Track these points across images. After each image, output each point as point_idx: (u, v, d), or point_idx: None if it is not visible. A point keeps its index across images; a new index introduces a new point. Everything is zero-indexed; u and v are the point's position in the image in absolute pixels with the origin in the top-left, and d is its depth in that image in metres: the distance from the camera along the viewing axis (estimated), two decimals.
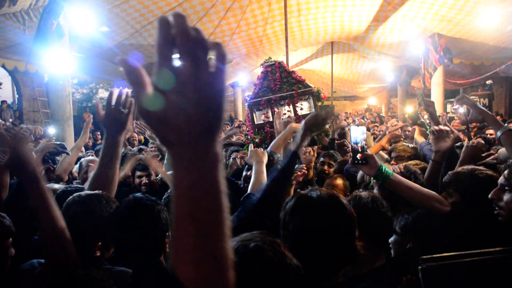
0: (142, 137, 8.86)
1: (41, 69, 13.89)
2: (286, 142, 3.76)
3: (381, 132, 10.19)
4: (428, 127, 4.61)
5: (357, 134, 2.46)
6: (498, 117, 12.81)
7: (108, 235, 2.00)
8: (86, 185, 2.54)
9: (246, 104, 6.84)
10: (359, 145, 2.44)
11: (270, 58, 6.99)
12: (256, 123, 6.68)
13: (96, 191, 2.14)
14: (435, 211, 2.40)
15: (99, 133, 12.37)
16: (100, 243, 2.03)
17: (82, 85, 18.00)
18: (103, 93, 20.55)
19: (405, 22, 12.43)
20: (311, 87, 6.56)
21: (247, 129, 7.75)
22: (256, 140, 6.45)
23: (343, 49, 17.11)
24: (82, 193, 2.14)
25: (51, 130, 6.45)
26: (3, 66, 13.55)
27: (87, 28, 9.74)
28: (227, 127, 11.21)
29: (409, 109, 11.53)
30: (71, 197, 2.09)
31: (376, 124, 14.85)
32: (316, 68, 19.68)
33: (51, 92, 9.23)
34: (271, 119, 6.60)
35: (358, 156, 2.42)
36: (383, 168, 2.39)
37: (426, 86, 14.16)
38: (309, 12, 12.33)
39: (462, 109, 3.05)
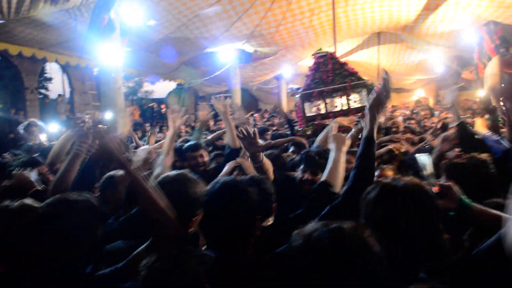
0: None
1: (91, 64, 14.40)
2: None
3: (433, 125, 9.91)
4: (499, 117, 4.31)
5: (424, 162, 2.26)
6: None
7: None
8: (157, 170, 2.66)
9: (297, 95, 6.77)
10: (428, 173, 2.18)
11: (320, 49, 6.89)
12: (307, 115, 6.62)
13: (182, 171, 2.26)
14: None
15: (147, 124, 12.63)
16: (193, 221, 2.08)
17: (128, 78, 18.28)
18: (148, 87, 20.87)
19: (457, 10, 11.91)
20: (364, 79, 6.43)
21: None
22: (308, 132, 6.39)
23: (390, 39, 16.64)
24: (171, 173, 2.25)
25: (108, 115, 6.58)
26: (56, 61, 14.12)
27: (136, 22, 9.89)
28: (275, 120, 11.18)
29: (481, 93, 10.96)
30: (163, 176, 2.21)
31: (427, 116, 14.40)
32: (362, 59, 19.28)
33: (103, 85, 9.44)
34: (322, 111, 6.52)
35: (434, 189, 2.02)
36: (463, 199, 2.03)
37: (479, 77, 13.59)
38: (356, 1, 12.07)
39: None
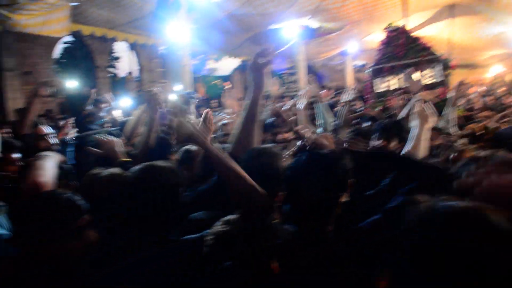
0: None
1: (158, 42, 14.74)
2: None
3: None
4: None
5: None
6: None
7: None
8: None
9: (367, 71, 6.55)
10: None
11: (391, 23, 6.58)
12: (376, 91, 6.40)
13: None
14: None
15: (213, 101, 12.82)
16: (278, 196, 2.09)
17: (193, 56, 18.61)
18: (211, 65, 20.94)
19: None
20: (437, 54, 6.08)
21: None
22: (377, 109, 6.17)
23: (464, 11, 15.65)
24: (257, 147, 2.31)
25: (178, 87, 6.66)
26: (125, 40, 14.56)
27: None
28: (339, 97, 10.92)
29: None
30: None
31: (505, 93, 13.49)
32: (431, 34, 18.32)
33: (170, 62, 9.65)
34: (393, 87, 6.28)
35: None
36: None
37: None
38: None
39: None
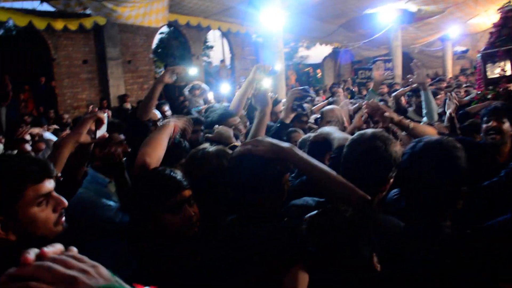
0: None
1: (250, 30, 14.91)
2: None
3: None
4: None
5: None
6: None
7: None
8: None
9: (479, 55, 6.03)
10: None
11: (510, 1, 5.96)
12: (488, 77, 5.87)
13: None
14: None
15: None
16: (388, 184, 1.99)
17: (284, 44, 18.66)
18: (303, 52, 20.71)
19: None
20: None
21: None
22: (489, 96, 5.67)
23: None
24: (368, 131, 2.14)
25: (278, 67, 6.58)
26: (219, 29, 15.05)
27: None
28: (433, 86, 10.30)
29: None
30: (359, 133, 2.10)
31: None
32: None
33: (264, 48, 9.67)
34: (508, 73, 5.73)
35: None
36: None
37: None
38: None
39: None
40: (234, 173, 1.83)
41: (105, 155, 2.70)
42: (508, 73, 5.65)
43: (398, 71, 14.68)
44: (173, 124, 2.45)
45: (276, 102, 5.73)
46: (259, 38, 14.95)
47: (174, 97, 12.85)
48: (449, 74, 17.52)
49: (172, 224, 1.82)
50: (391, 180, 1.97)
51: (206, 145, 2.34)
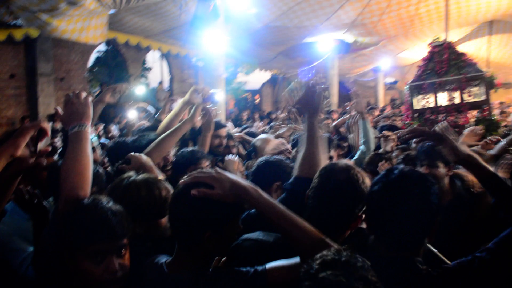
0: None
1: (191, 52, 14.83)
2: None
3: None
4: None
5: None
6: None
7: None
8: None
9: (406, 87, 6.40)
10: None
11: (438, 37, 6.41)
12: (415, 108, 6.23)
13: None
14: None
15: (245, 113, 12.82)
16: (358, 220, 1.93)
17: (225, 68, 18.73)
18: (241, 77, 20.83)
19: None
20: (482, 71, 5.87)
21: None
22: (415, 126, 6.01)
23: (503, 28, 15.27)
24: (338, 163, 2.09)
25: (219, 95, 6.53)
26: (159, 50, 14.69)
27: (239, 9, 9.95)
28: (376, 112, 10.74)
29: None
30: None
31: None
32: (468, 51, 17.94)
33: (205, 72, 9.65)
34: (432, 105, 6.11)
35: None
36: None
37: None
38: None
39: None
40: (177, 209, 1.63)
41: (16, 192, 2.28)
42: (432, 104, 6.03)
43: (335, 99, 15.22)
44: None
45: (219, 126, 5.69)
46: (199, 61, 14.91)
47: (108, 118, 12.47)
48: (381, 104, 18.39)
49: (90, 275, 1.57)
50: (362, 217, 1.85)
51: (131, 173, 2.16)
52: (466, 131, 3.95)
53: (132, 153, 2.71)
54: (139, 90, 14.13)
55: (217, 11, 9.11)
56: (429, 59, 6.22)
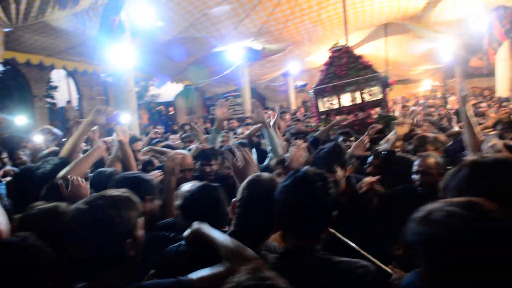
0: None
1: (99, 69, 14.35)
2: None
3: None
4: None
5: None
6: None
7: None
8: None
9: (311, 91, 6.73)
10: None
11: (337, 42, 6.81)
12: (320, 110, 6.58)
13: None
14: None
15: (159, 127, 12.68)
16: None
17: (135, 82, 18.32)
18: (154, 90, 20.61)
19: None
20: (378, 72, 6.35)
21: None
22: (321, 128, 6.34)
23: (396, 30, 16.56)
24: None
25: (125, 118, 6.44)
26: (64, 68, 14.01)
27: (144, 23, 9.86)
28: (287, 117, 11.11)
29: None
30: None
31: (442, 105, 14.35)
32: (368, 52, 19.18)
33: (115, 88, 9.46)
34: (336, 106, 6.48)
35: None
36: None
37: (489, 63, 13.52)
38: None
39: None
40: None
41: None
42: (336, 106, 6.41)
43: (247, 106, 15.57)
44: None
45: (134, 139, 5.62)
46: (108, 77, 14.49)
47: (15, 145, 11.68)
48: (293, 106, 19.05)
49: None
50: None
51: (41, 202, 2.14)
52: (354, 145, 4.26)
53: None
54: (20, 120, 13.13)
55: (122, 26, 8.98)
56: (330, 63, 6.59)
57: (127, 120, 7.79)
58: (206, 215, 2.12)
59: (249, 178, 2.14)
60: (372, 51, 18.75)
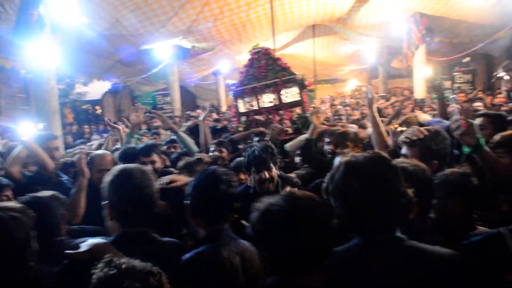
0: None
1: (18, 65, 13.52)
2: None
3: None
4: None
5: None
6: (478, 93, 13.02)
7: None
8: None
9: (231, 91, 6.81)
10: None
11: (258, 44, 6.91)
12: (240, 111, 6.69)
13: None
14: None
15: (87, 127, 12.33)
16: None
17: (58, 80, 17.36)
18: (80, 88, 19.75)
19: (387, 1, 12.45)
20: (295, 74, 6.53)
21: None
22: (240, 129, 6.47)
23: (324, 32, 17.12)
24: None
25: (39, 126, 6.25)
26: None
27: (67, 18, 9.54)
28: (214, 115, 11.21)
29: (428, 71, 11.34)
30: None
31: (364, 104, 14.99)
32: (297, 52, 19.67)
33: (35, 86, 9.04)
34: (255, 107, 6.61)
35: (462, 125, 2.54)
36: (480, 138, 2.51)
37: (409, 65, 14.31)
38: None
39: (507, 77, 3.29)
40: None
41: None
42: (255, 107, 6.56)
43: (177, 104, 15.47)
44: None
45: (49, 137, 5.37)
46: (29, 74, 13.77)
47: None
48: (224, 105, 19.11)
49: None
50: None
51: None
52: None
53: None
54: None
55: (42, 21, 8.62)
56: (249, 65, 6.71)
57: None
58: None
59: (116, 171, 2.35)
60: (302, 52, 19.23)
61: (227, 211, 2.31)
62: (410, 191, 1.77)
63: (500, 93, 9.48)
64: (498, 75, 4.21)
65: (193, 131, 6.71)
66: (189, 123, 7.41)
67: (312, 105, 13.93)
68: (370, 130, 6.40)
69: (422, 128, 2.96)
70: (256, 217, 1.68)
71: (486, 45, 14.55)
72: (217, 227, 2.26)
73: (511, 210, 2.83)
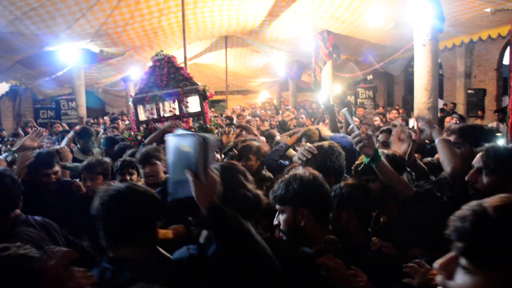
0: None
1: None
2: None
3: (277, 122, 11.00)
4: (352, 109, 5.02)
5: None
6: (380, 108, 13.98)
7: None
8: None
9: (131, 99, 6.64)
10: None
11: (162, 50, 6.80)
12: (140, 119, 6.55)
13: None
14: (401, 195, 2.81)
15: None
16: None
17: None
18: None
19: (297, 18, 12.92)
20: (197, 84, 6.54)
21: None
22: (138, 138, 6.31)
23: (236, 43, 17.37)
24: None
25: None
26: None
27: None
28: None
29: (338, 88, 11.89)
30: None
31: (273, 115, 15.42)
32: (210, 62, 19.78)
33: None
34: (155, 116, 6.52)
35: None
36: (378, 149, 2.73)
37: (317, 79, 14.93)
38: (205, 4, 12.28)
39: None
40: None
41: None
42: (155, 115, 6.47)
43: (83, 110, 14.83)
44: None
45: None
46: None
47: None
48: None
49: None
50: None
51: None
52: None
53: None
54: None
55: None
56: (151, 72, 6.61)
57: None
58: None
59: None
60: (214, 62, 19.39)
61: None
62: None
63: (394, 109, 10.26)
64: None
65: (81, 135, 6.79)
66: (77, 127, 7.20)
67: (225, 115, 14.12)
68: (278, 138, 6.68)
69: (312, 146, 3.15)
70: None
71: (386, 64, 15.65)
72: None
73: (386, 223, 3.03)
